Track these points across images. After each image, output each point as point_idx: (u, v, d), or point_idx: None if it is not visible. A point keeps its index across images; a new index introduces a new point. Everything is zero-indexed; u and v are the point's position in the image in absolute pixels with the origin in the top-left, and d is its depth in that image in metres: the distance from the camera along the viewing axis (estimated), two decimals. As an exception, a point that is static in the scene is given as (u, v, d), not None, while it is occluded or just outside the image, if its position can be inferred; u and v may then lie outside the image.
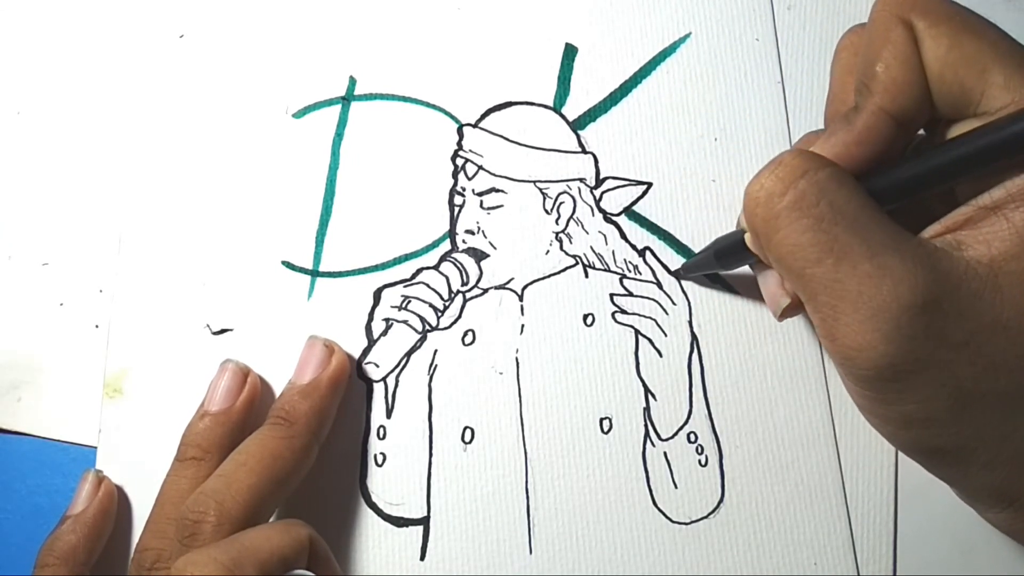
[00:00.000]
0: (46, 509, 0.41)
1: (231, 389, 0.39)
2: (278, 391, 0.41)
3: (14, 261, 0.44)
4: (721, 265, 0.40)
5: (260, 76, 0.45)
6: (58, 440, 0.42)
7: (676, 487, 0.41)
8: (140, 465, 0.41)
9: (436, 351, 0.42)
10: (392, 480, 0.41)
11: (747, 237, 0.36)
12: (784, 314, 0.36)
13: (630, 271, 0.43)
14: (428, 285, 0.42)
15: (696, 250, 0.43)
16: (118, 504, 0.40)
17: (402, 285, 0.42)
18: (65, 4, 0.47)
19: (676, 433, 0.41)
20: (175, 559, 0.34)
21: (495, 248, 0.43)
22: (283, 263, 0.43)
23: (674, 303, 0.42)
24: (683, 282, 0.43)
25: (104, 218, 0.44)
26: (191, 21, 0.46)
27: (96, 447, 0.41)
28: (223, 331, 0.42)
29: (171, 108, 0.45)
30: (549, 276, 0.43)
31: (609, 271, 0.43)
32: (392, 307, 0.42)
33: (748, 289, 0.43)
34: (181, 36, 0.45)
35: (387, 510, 0.40)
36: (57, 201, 0.45)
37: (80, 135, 0.45)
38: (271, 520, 0.37)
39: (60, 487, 0.41)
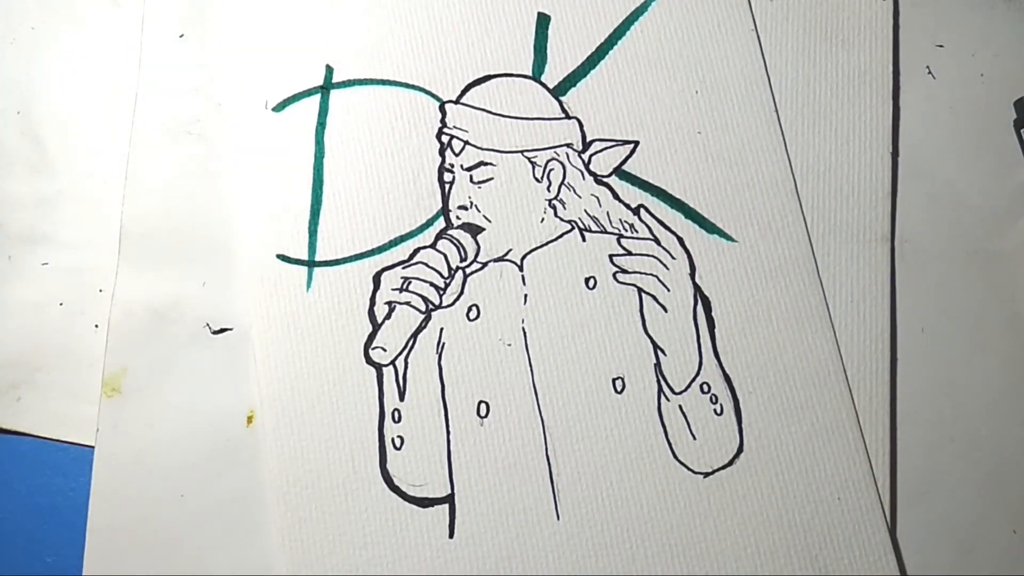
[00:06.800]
0: (46, 509, 0.41)
1: None
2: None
3: (14, 261, 0.44)
4: None
5: (243, 73, 0.45)
6: (58, 440, 0.42)
7: (694, 438, 0.41)
8: (138, 464, 0.40)
9: (442, 329, 0.42)
10: (412, 462, 0.40)
11: None
12: None
13: (626, 230, 0.43)
14: (427, 264, 0.42)
15: (691, 204, 0.43)
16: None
17: (401, 267, 0.42)
18: (65, 4, 0.47)
19: (689, 385, 0.41)
20: None
21: (490, 221, 0.43)
22: (278, 256, 0.42)
23: (673, 257, 0.43)
24: (681, 235, 0.43)
25: (104, 217, 0.44)
26: (191, 21, 0.46)
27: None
28: (222, 331, 0.42)
29: (170, 107, 0.44)
30: (547, 244, 0.43)
31: (606, 232, 0.43)
32: (393, 290, 0.42)
33: (746, 237, 0.43)
34: (181, 36, 0.45)
35: (410, 492, 0.40)
36: (58, 201, 0.44)
37: (80, 135, 0.45)
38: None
39: (60, 487, 0.41)
